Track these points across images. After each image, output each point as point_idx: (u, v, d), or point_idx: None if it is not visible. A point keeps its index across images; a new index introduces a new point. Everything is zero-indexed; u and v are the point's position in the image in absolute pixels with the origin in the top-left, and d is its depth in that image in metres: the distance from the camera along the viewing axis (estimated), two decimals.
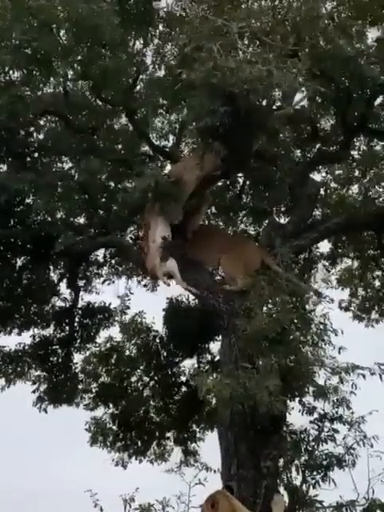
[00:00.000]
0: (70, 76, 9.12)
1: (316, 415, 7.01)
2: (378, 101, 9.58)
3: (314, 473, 6.71)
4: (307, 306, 7.41)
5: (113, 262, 10.92)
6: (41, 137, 9.64)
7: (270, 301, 7.24)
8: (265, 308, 7.30)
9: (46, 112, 9.53)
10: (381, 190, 10.46)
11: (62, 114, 9.47)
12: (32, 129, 9.56)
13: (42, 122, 9.82)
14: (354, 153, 10.58)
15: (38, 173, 8.72)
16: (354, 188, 11.03)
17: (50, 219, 9.05)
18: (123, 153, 9.98)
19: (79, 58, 8.65)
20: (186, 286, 7.93)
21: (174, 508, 5.24)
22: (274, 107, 8.46)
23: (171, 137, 10.23)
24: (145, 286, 10.82)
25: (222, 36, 7.00)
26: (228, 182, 10.45)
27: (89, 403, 10.54)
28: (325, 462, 6.74)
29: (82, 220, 9.51)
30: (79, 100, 9.63)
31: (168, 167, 9.95)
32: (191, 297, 9.78)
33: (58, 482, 13.16)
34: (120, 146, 10.24)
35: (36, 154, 9.54)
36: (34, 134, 9.62)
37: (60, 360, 10.50)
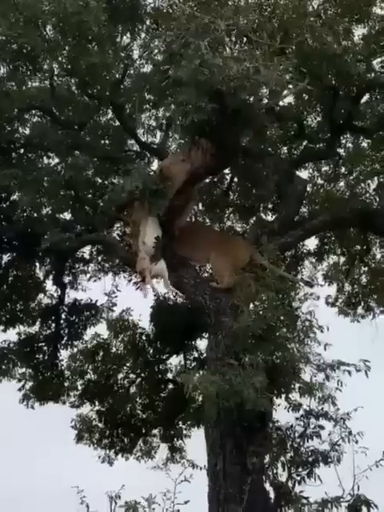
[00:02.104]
0: (56, 71, 9.05)
1: (302, 412, 7.05)
2: (364, 99, 9.64)
3: (300, 469, 6.75)
4: (294, 303, 7.43)
5: (99, 258, 10.89)
6: (26, 132, 9.55)
7: (256, 298, 7.25)
8: (251, 305, 7.32)
9: (31, 107, 9.45)
10: (367, 187, 10.50)
11: (48, 109, 9.39)
12: (17, 124, 9.49)
13: (27, 118, 9.73)
14: (341, 150, 10.61)
15: (24, 169, 8.64)
16: (341, 185, 11.07)
17: (35, 215, 9.00)
18: (110, 149, 9.93)
19: (65, 53, 8.60)
20: (171, 289, 7.94)
21: (160, 505, 5.24)
22: (261, 104, 8.45)
23: (158, 133, 10.21)
24: (135, 283, 10.72)
25: (210, 33, 6.98)
26: (215, 180, 10.44)
27: (75, 401, 10.55)
28: (310, 459, 6.78)
29: (68, 216, 9.47)
30: (66, 95, 9.56)
31: (155, 164, 9.96)
32: (178, 294, 9.80)
33: (44, 480, 13.12)
34: (107, 142, 10.20)
35: (22, 150, 9.47)
36: (20, 130, 9.54)
37: (46, 357, 10.47)
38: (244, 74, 6.49)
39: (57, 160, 9.59)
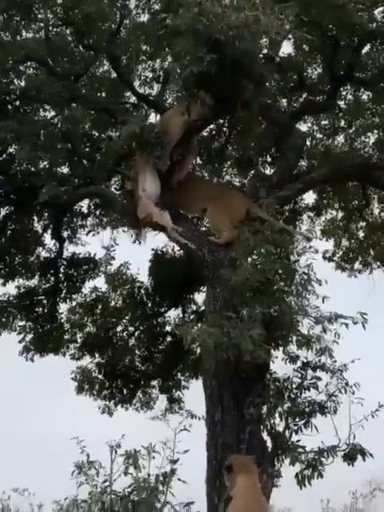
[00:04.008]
0: (51, 21, 8.87)
1: (299, 363, 7.14)
2: (366, 49, 9.46)
3: (297, 419, 6.88)
4: (292, 257, 7.45)
5: (98, 213, 10.85)
6: (22, 84, 9.39)
7: (254, 251, 7.25)
8: (250, 259, 7.32)
9: (27, 58, 9.28)
10: (366, 140, 10.41)
11: (44, 60, 9.23)
12: (13, 76, 9.32)
13: (23, 69, 9.56)
14: (341, 103, 10.46)
15: (20, 121, 8.54)
16: (340, 138, 10.98)
17: (33, 169, 8.93)
18: (107, 101, 9.79)
19: (60, 2, 8.41)
20: (177, 235, 7.90)
21: (160, 454, 5.37)
22: (261, 55, 8.30)
23: (156, 85, 10.06)
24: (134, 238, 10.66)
25: None
26: (213, 133, 10.32)
27: (75, 353, 10.67)
28: (307, 409, 6.91)
29: (65, 170, 9.40)
30: (61, 46, 9.38)
31: (152, 116, 9.84)
32: (176, 248, 9.80)
33: (46, 430, 13.40)
34: (103, 95, 10.05)
35: (18, 102, 9.32)
36: (16, 81, 9.39)
37: (45, 310, 10.54)
38: (243, 23, 6.35)
39: (53, 113, 9.47)
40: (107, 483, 5.38)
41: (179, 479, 5.28)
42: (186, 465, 5.34)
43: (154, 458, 5.35)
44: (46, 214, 10.06)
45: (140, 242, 10.13)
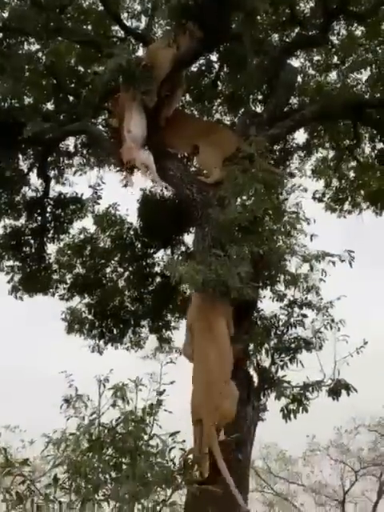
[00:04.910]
0: None
1: (286, 301, 7.18)
2: None
3: (283, 355, 6.96)
4: (281, 196, 7.38)
5: (84, 152, 10.66)
6: (5, 15, 9.05)
7: (243, 190, 7.17)
8: (239, 198, 7.26)
9: None
10: (359, 76, 10.19)
11: None
12: None
13: (5, 0, 9.20)
14: (334, 38, 10.18)
15: (3, 55, 8.30)
16: (333, 75, 10.74)
17: (17, 105, 8.71)
18: (93, 34, 9.49)
19: None
20: (158, 179, 7.78)
21: (147, 386, 5.43)
22: None
23: (144, 18, 9.74)
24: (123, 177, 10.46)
25: None
26: (203, 68, 10.06)
27: (64, 294, 10.66)
28: (293, 345, 6.98)
29: (50, 106, 9.17)
30: None
31: (140, 50, 9.57)
32: (166, 187, 9.67)
33: (37, 369, 13.56)
34: (90, 27, 9.73)
35: (0, 34, 9.02)
36: None
37: (33, 250, 10.47)
38: None
39: (37, 46, 9.17)
40: (95, 416, 5.42)
41: (165, 410, 5.36)
42: (172, 396, 5.43)
43: (140, 390, 5.40)
44: (32, 153, 9.87)
45: (126, 186, 9.96)
